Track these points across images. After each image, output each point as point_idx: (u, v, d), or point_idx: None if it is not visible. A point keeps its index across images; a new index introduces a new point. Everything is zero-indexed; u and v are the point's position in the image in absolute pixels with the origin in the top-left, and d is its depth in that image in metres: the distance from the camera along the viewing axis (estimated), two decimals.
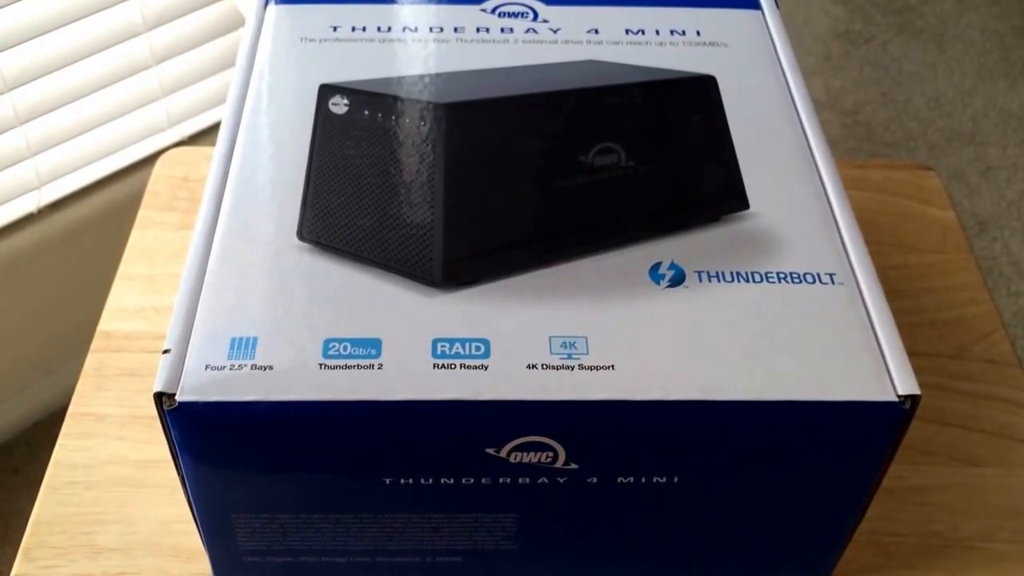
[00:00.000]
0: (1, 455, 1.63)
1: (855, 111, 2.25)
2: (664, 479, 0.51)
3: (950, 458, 0.65)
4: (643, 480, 0.51)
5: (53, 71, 1.41)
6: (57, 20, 1.37)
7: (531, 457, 0.49)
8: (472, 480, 0.50)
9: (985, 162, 2.14)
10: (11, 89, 1.37)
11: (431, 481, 0.50)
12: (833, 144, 2.17)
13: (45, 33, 1.37)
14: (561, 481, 0.50)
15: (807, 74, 2.33)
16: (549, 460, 0.49)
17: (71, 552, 0.60)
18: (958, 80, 2.34)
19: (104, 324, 0.71)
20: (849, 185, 0.80)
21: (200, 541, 0.55)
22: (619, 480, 0.51)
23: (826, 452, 0.50)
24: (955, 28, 2.47)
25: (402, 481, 0.50)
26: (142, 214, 0.79)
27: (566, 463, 0.49)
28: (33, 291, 1.55)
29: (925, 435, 0.66)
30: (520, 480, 0.50)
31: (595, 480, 0.51)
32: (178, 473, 0.50)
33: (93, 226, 1.53)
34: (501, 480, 0.50)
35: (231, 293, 0.50)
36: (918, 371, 0.68)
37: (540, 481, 0.50)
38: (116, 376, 0.68)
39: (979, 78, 2.34)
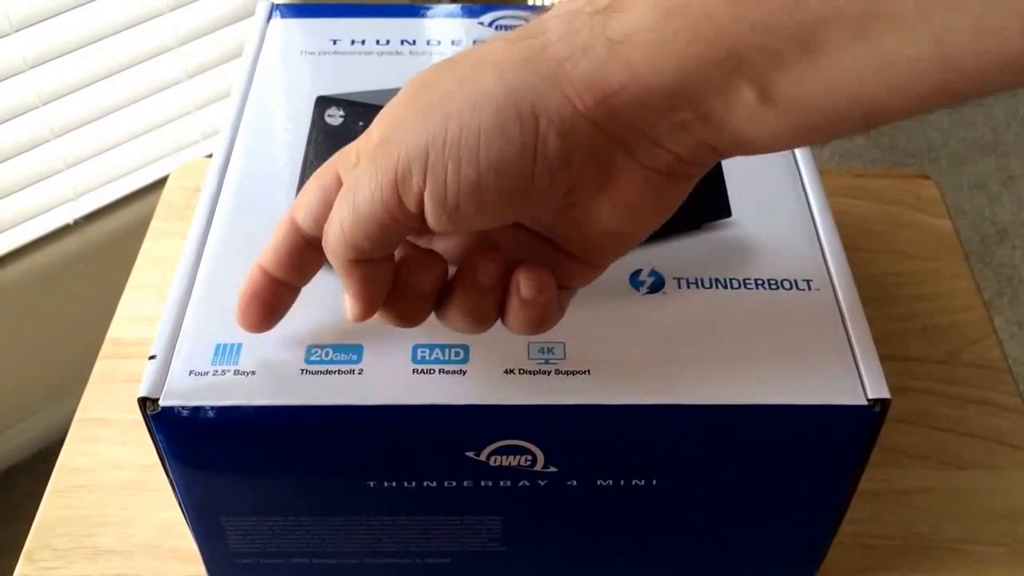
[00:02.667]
0: (39, 462, 1.64)
1: None
2: (643, 482, 0.52)
3: (938, 461, 0.66)
4: (622, 483, 0.52)
5: (88, 85, 1.43)
6: (92, 36, 1.39)
7: (511, 460, 0.50)
8: (454, 483, 0.51)
9: (1006, 172, 2.14)
10: (46, 103, 1.40)
11: (414, 484, 0.51)
12: (856, 154, 2.17)
13: (80, 48, 1.39)
14: (542, 484, 0.51)
15: None
16: (528, 463, 0.50)
17: (72, 554, 0.61)
18: None
19: (113, 331, 0.73)
20: (848, 194, 0.81)
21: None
22: (599, 483, 0.52)
23: (800, 454, 0.50)
24: None
25: (386, 484, 0.51)
26: (154, 224, 0.81)
27: (545, 466, 0.50)
28: (70, 300, 1.57)
29: (914, 439, 0.67)
30: (502, 483, 0.51)
31: (575, 483, 0.52)
32: (168, 477, 0.51)
33: (128, 237, 1.54)
34: (483, 483, 0.51)
35: (219, 300, 0.51)
36: (910, 376, 0.69)
37: (521, 484, 0.51)
38: (123, 382, 0.70)
39: None
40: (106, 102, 1.46)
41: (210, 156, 0.58)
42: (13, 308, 1.53)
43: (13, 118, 1.38)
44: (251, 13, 1.54)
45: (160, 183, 1.53)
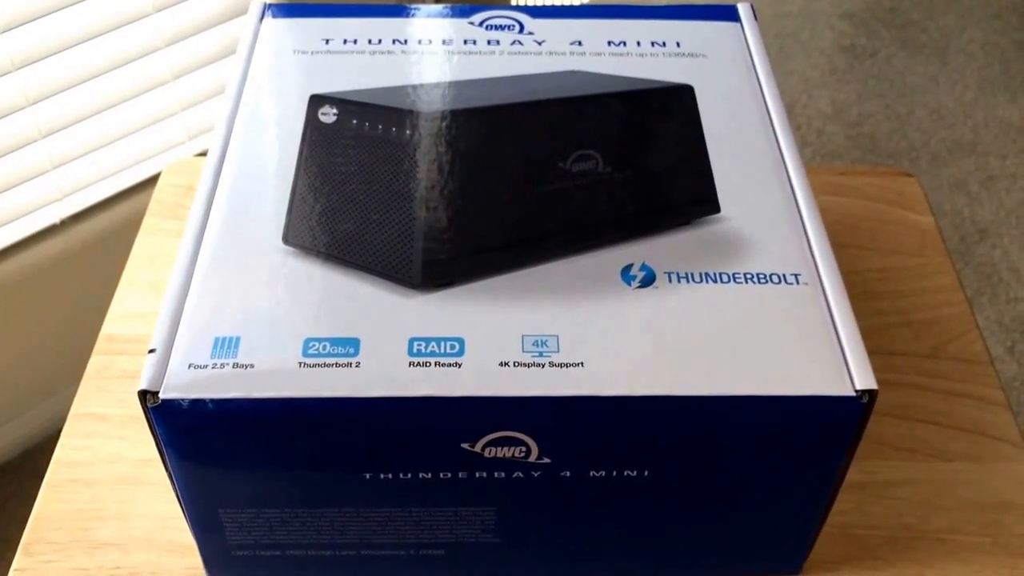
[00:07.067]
0: (27, 460, 1.65)
1: (859, 123, 2.26)
2: (635, 472, 0.52)
3: (923, 454, 0.67)
4: (615, 473, 0.52)
5: (74, 86, 1.43)
6: (78, 37, 1.40)
7: (505, 452, 0.51)
8: (449, 475, 0.52)
9: (986, 172, 2.15)
10: (32, 104, 1.40)
11: (410, 476, 0.52)
12: (838, 155, 2.18)
13: (67, 49, 1.40)
14: (536, 475, 0.52)
15: (813, 87, 2.34)
16: (523, 455, 0.51)
17: (69, 547, 0.62)
18: (960, 92, 2.34)
19: (107, 328, 0.73)
20: (832, 191, 0.82)
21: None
22: (592, 474, 0.52)
23: (789, 444, 0.51)
24: (957, 42, 2.48)
25: (381, 476, 0.52)
26: (147, 221, 0.81)
27: (539, 457, 0.51)
28: (57, 300, 1.57)
29: (899, 431, 0.68)
30: (496, 474, 0.52)
31: (568, 474, 0.52)
32: (166, 469, 0.52)
33: (114, 237, 1.55)
34: (477, 474, 0.52)
35: (216, 295, 0.52)
36: (894, 370, 0.70)
37: (515, 475, 0.52)
38: (117, 378, 0.70)
39: (980, 91, 2.35)
40: (93, 103, 1.46)
41: (200, 155, 0.58)
42: None
43: None
44: (237, 14, 1.55)
45: (146, 183, 1.54)
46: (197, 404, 0.48)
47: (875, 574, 0.62)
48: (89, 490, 0.65)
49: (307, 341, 0.50)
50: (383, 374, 0.49)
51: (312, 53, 0.66)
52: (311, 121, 0.60)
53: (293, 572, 0.58)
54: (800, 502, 0.55)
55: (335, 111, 0.60)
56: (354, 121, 0.59)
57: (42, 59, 1.38)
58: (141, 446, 0.66)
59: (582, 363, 0.50)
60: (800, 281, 0.54)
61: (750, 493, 0.54)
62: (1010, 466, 0.67)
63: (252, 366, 0.49)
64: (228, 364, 0.49)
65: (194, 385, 0.48)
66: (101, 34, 1.42)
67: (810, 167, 0.79)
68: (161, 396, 0.48)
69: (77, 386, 0.70)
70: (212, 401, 0.48)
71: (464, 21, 0.69)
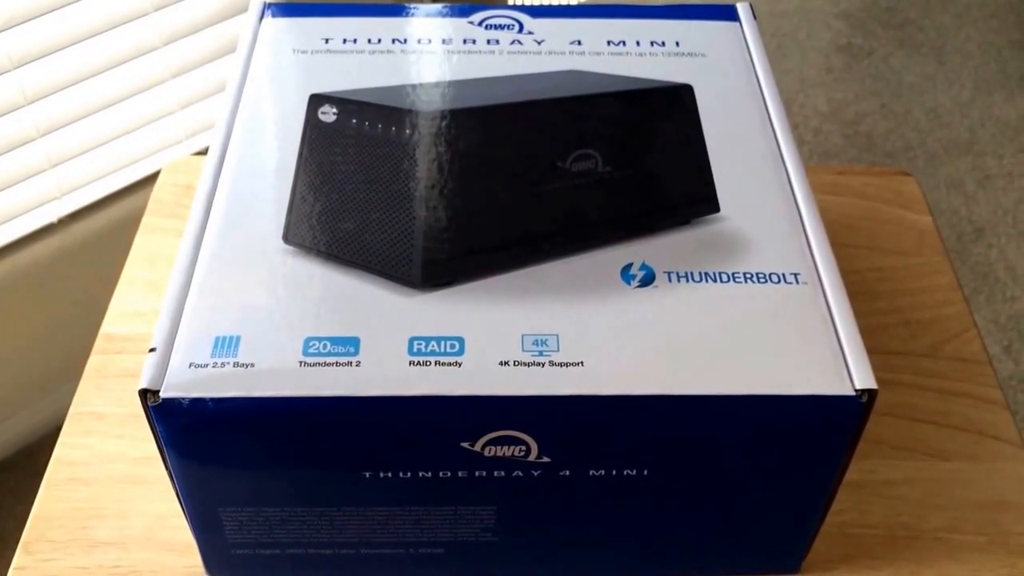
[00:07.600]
0: (25, 459, 1.65)
1: (856, 122, 2.26)
2: (634, 472, 0.52)
3: (920, 452, 0.67)
4: (614, 473, 0.52)
5: (72, 85, 1.43)
6: (77, 35, 1.40)
7: (505, 451, 0.51)
8: (449, 474, 0.52)
9: (982, 171, 2.15)
10: (31, 103, 1.40)
11: (409, 475, 0.52)
12: (835, 154, 2.18)
13: (65, 47, 1.40)
14: (535, 474, 0.52)
15: (810, 86, 2.34)
16: (522, 454, 0.51)
17: (68, 546, 0.62)
18: (956, 92, 2.35)
19: (106, 327, 0.73)
20: (830, 191, 0.82)
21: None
22: (591, 473, 0.52)
23: (789, 444, 0.51)
24: (954, 42, 2.49)
25: (381, 475, 0.52)
26: (146, 220, 0.81)
27: (539, 456, 0.51)
28: (55, 298, 1.57)
29: (896, 430, 0.68)
30: (496, 473, 0.52)
31: (568, 473, 0.52)
32: (166, 468, 0.52)
33: (113, 235, 1.55)
34: (477, 473, 0.52)
35: (217, 294, 0.52)
36: (893, 369, 0.70)
37: (515, 474, 0.52)
38: (117, 377, 0.70)
39: (977, 90, 2.35)
40: (91, 101, 1.46)
41: (199, 154, 0.58)
42: None
43: None
44: (235, 13, 1.55)
45: (145, 182, 1.54)
46: (197, 403, 0.48)
47: (873, 573, 0.62)
48: (88, 489, 0.65)
49: (307, 340, 0.50)
50: (383, 373, 0.49)
51: (312, 53, 0.66)
52: (311, 120, 0.60)
53: (293, 571, 0.58)
54: (799, 502, 0.55)
55: (335, 110, 0.60)
56: (354, 120, 0.59)
57: (40, 57, 1.38)
58: (140, 445, 0.66)
59: (582, 362, 0.50)
60: (799, 280, 0.54)
61: (749, 493, 0.54)
62: (1008, 465, 0.67)
63: (252, 365, 0.49)
64: (228, 363, 0.49)
65: (194, 384, 0.48)
66: (99, 32, 1.42)
67: (808, 167, 0.79)
68: (162, 395, 0.48)
69: (76, 384, 0.70)
70: (212, 400, 0.48)
71: (463, 21, 0.69)
